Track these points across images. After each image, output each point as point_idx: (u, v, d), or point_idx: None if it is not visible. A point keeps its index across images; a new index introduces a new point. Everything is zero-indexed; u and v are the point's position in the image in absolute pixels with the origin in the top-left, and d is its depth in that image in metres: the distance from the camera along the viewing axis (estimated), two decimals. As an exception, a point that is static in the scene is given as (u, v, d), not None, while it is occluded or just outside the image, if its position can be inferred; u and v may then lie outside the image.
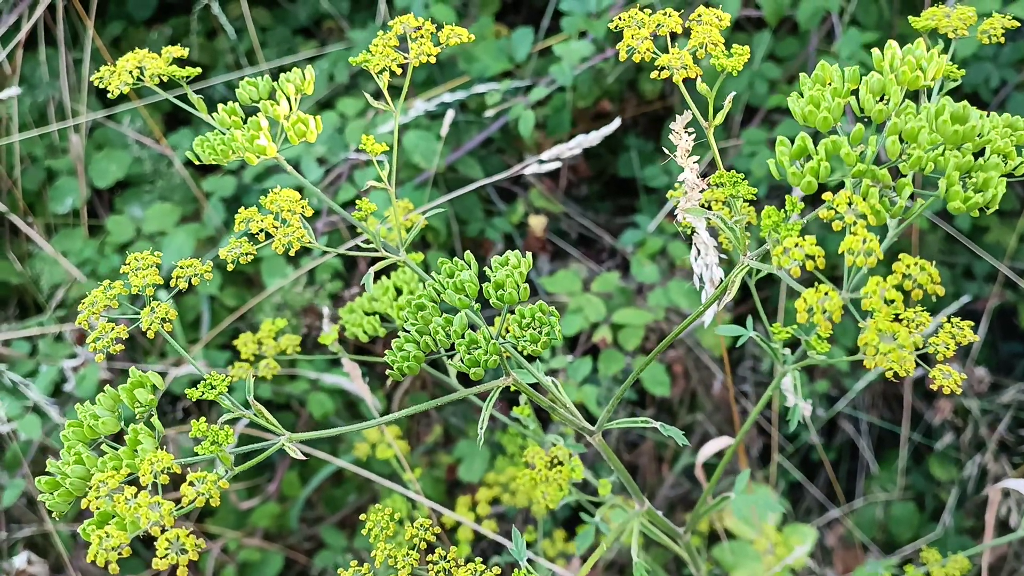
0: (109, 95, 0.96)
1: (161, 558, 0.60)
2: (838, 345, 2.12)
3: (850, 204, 0.62)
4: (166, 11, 2.54)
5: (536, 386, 1.01)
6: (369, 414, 2.08)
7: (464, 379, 1.30)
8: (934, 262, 0.70)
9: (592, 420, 1.16)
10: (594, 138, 1.41)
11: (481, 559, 1.67)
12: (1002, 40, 0.99)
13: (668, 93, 2.46)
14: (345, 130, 2.07)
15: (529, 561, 1.96)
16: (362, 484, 2.29)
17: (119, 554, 0.61)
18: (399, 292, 1.26)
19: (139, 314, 0.81)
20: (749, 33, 2.31)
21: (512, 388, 1.21)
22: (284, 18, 2.57)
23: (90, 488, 0.64)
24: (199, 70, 0.99)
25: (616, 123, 1.44)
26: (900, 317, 0.61)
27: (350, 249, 1.00)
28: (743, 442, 2.29)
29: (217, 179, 2.15)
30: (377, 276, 1.24)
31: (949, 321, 0.91)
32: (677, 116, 0.79)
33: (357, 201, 0.96)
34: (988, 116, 0.86)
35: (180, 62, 1.03)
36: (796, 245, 0.61)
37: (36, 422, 1.83)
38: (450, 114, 1.63)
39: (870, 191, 0.63)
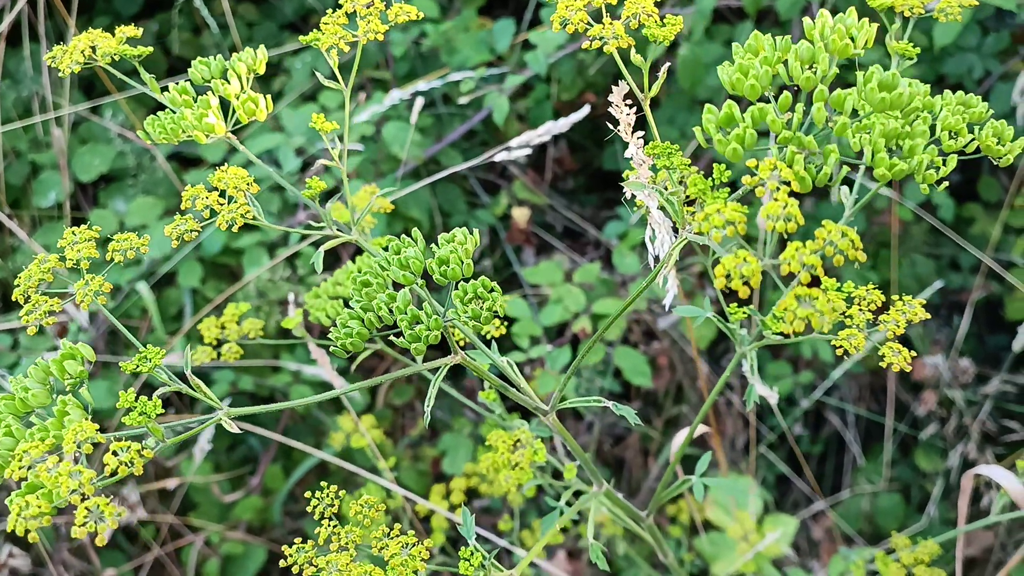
0: (60, 75, 0.96)
1: (80, 526, 0.60)
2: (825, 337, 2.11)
3: (774, 170, 0.61)
4: (152, 7, 2.55)
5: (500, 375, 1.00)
6: (353, 407, 2.08)
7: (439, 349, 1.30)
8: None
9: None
10: (564, 124, 1.41)
11: (452, 546, 1.66)
12: (959, 19, 0.98)
13: (654, 75, 2.45)
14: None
15: (505, 551, 1.96)
16: (347, 477, 2.29)
17: (40, 523, 0.61)
18: (364, 277, 1.26)
19: (79, 294, 0.80)
20: (732, 24, 2.30)
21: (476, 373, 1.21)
22: (271, 13, 2.58)
23: (13, 458, 0.63)
24: (150, 49, 0.99)
25: (586, 109, 1.43)
26: (819, 282, 0.61)
27: (298, 229, 1.00)
28: (727, 434, 2.28)
29: (200, 172, 2.15)
30: (338, 260, 1.24)
31: (900, 298, 0.90)
32: (614, 89, 0.78)
33: (308, 181, 0.96)
34: (943, 95, 0.86)
35: (165, 55, 1.03)
36: (718, 211, 0.60)
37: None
38: (419, 101, 1.63)
39: (795, 158, 0.63)
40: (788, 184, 0.61)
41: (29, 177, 2.27)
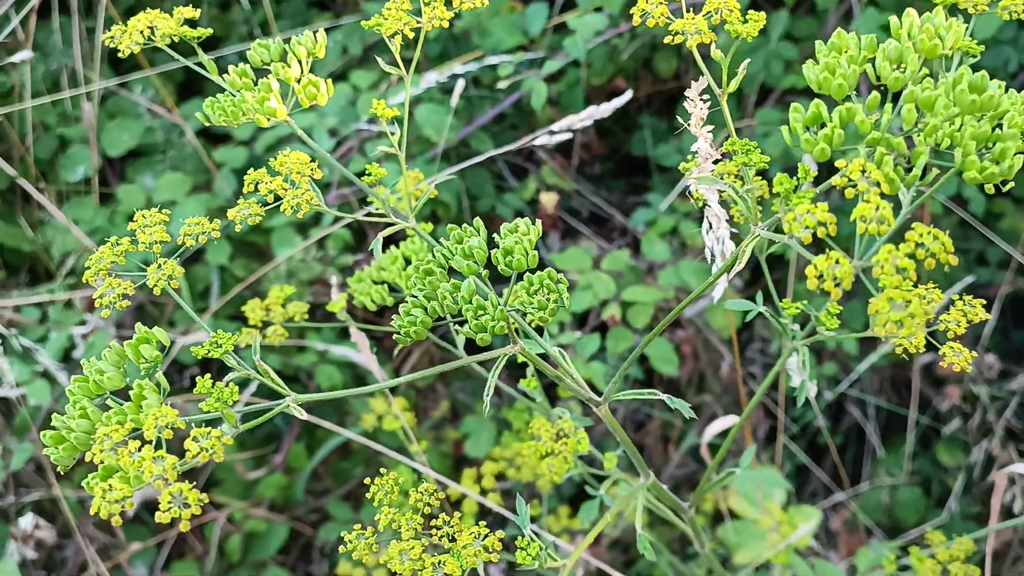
0: (120, 54, 0.96)
1: (164, 511, 0.60)
2: (847, 328, 2.11)
3: (863, 172, 0.61)
4: (180, -19, 2.53)
5: (544, 358, 1.00)
6: (380, 389, 2.08)
7: (471, 349, 1.30)
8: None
9: (599, 395, 1.15)
10: (606, 109, 1.40)
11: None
12: (1023, 16, 0.97)
13: (683, 73, 2.44)
14: (357, 102, 2.07)
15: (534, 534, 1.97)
16: (369, 457, 2.29)
17: (122, 507, 0.61)
18: (408, 262, 1.26)
19: (146, 274, 0.80)
20: (767, 12, 2.28)
21: (519, 360, 1.21)
22: (298, -10, 2.56)
23: (94, 442, 0.64)
24: (210, 31, 0.98)
25: (628, 95, 1.43)
26: (913, 286, 0.61)
27: (362, 216, 1.00)
28: (750, 424, 2.28)
29: (229, 150, 2.15)
30: (386, 245, 1.24)
31: (961, 298, 0.90)
32: (692, 84, 0.78)
33: (367, 167, 0.96)
34: (1008, 92, 0.85)
35: (192, 26, 1.02)
36: (808, 212, 0.60)
37: (45, 387, 1.84)
38: (460, 83, 1.62)
39: (884, 159, 0.62)
40: (878, 185, 0.61)
41: (57, 151, 2.26)
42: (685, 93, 0.79)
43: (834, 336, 0.98)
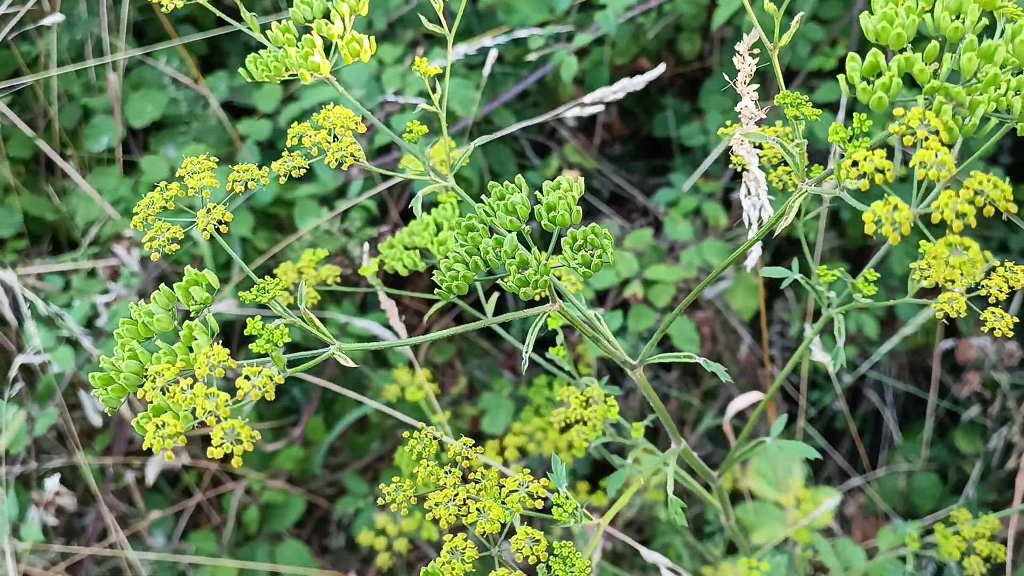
0: (163, 9, 0.96)
1: (217, 447, 0.60)
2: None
3: (922, 120, 0.61)
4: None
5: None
6: (398, 361, 2.09)
7: (497, 313, 1.30)
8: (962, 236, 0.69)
9: (622, 373, 1.15)
10: (639, 82, 1.40)
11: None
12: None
13: (707, 54, 2.43)
14: (382, 76, 2.06)
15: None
16: (386, 432, 2.30)
17: (174, 442, 0.61)
18: (439, 228, 1.26)
19: (194, 224, 0.81)
20: (793, -6, 2.27)
21: (550, 327, 1.21)
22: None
23: (146, 379, 0.64)
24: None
25: (661, 68, 1.42)
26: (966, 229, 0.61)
27: (400, 176, 1.00)
28: (771, 406, 2.28)
29: (252, 122, 2.15)
30: (409, 215, 1.24)
31: (1003, 264, 0.90)
32: (745, 37, 0.78)
33: (408, 124, 0.96)
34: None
35: (216, 1, 1.02)
36: (865, 158, 0.60)
37: (69, 354, 1.85)
38: (493, 54, 1.62)
39: (943, 107, 0.62)
40: (937, 133, 0.61)
41: (81, 121, 2.27)
42: (736, 48, 0.79)
43: (870, 304, 0.98)
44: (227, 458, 0.60)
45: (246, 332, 0.67)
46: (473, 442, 0.83)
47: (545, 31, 1.90)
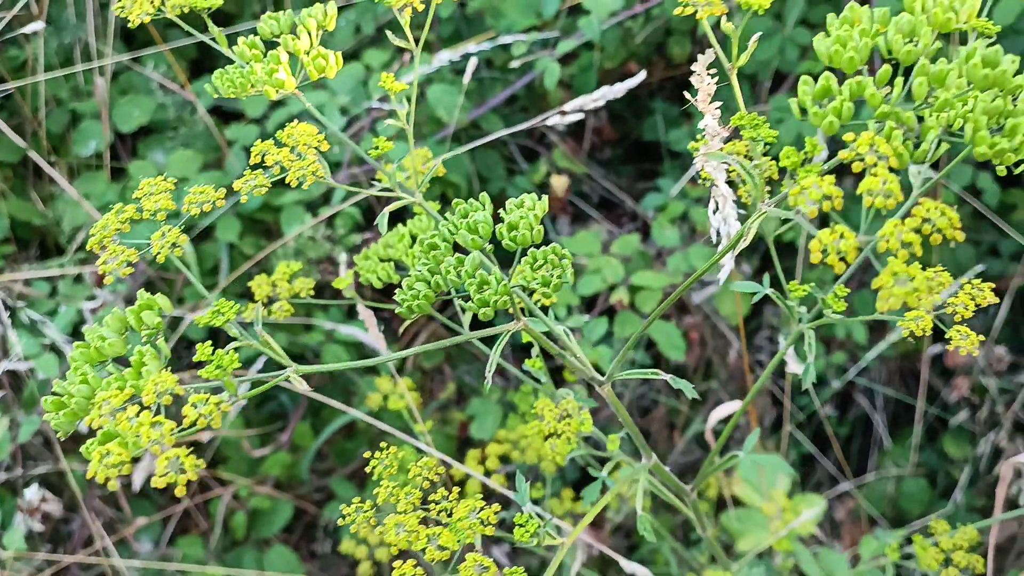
0: (130, 24, 0.96)
1: (160, 476, 0.60)
2: (855, 315, 2.10)
3: (872, 146, 0.60)
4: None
5: (550, 338, 1.00)
6: (383, 367, 2.09)
7: (476, 328, 1.29)
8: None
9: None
10: (619, 90, 1.40)
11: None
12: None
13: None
14: (369, 82, 2.06)
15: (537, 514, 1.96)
16: (374, 437, 2.30)
17: (120, 472, 0.61)
18: (414, 240, 1.26)
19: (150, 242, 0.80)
20: (782, -2, 2.27)
21: (524, 340, 1.20)
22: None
23: (93, 407, 0.64)
24: (221, 1, 0.98)
25: (641, 76, 1.42)
26: (919, 262, 0.60)
27: (370, 192, 1.00)
28: (757, 412, 2.28)
29: (240, 127, 2.14)
30: (393, 223, 1.23)
31: (969, 282, 0.89)
32: (699, 58, 0.77)
33: (375, 140, 0.96)
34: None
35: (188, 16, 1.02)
36: (814, 185, 0.59)
37: (54, 361, 1.85)
38: (472, 62, 1.61)
39: (893, 133, 0.62)
40: (886, 159, 0.60)
41: (69, 126, 2.26)
42: (692, 67, 0.78)
43: (841, 319, 0.98)
44: (170, 487, 0.60)
45: (195, 359, 0.67)
46: (436, 462, 0.83)
47: (529, 38, 1.89)
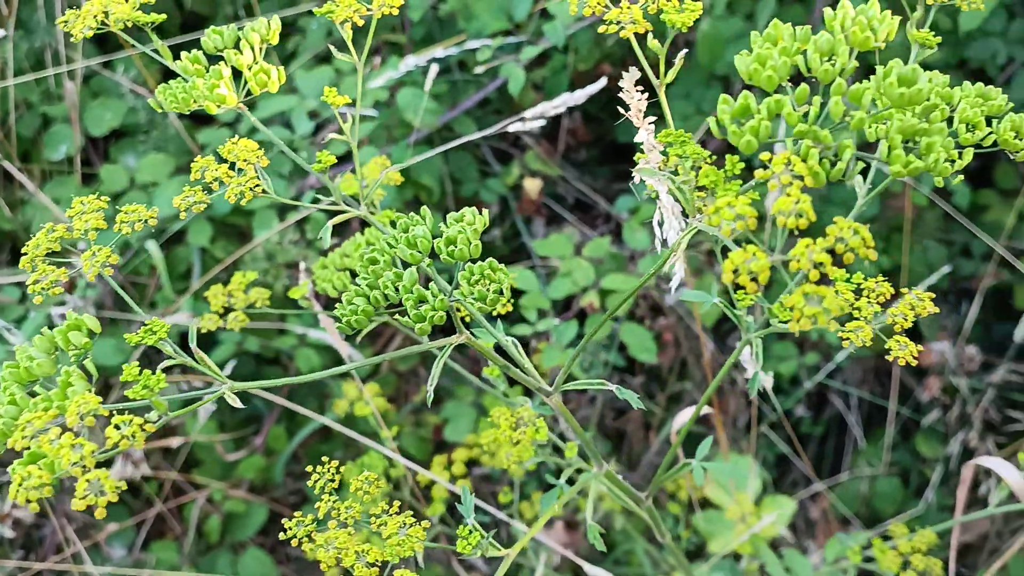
0: (72, 39, 0.96)
1: (80, 499, 0.60)
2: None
3: (788, 164, 0.61)
4: (167, -40, 2.52)
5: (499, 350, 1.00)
6: (356, 372, 2.09)
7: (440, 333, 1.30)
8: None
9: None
10: (580, 96, 1.40)
11: (451, 516, 1.66)
12: (982, 7, 0.96)
13: (671, 59, 2.43)
14: (340, 85, 2.06)
15: (503, 522, 1.96)
16: (348, 441, 2.30)
17: (40, 494, 0.61)
18: (372, 248, 1.25)
19: (92, 262, 0.80)
20: (753, -1, 2.27)
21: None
22: (287, -29, 2.55)
23: (16, 428, 0.64)
24: (164, 16, 0.98)
25: (602, 82, 1.42)
26: (830, 279, 0.60)
27: (315, 207, 1.00)
28: (726, 413, 2.28)
29: (212, 131, 2.14)
30: (343, 231, 1.24)
31: (910, 290, 0.90)
32: (625, 75, 0.77)
33: (318, 155, 0.96)
34: (962, 86, 0.84)
35: (179, 9, 1.02)
36: (728, 205, 0.60)
37: (22, 367, 1.84)
38: (434, 69, 1.61)
39: (810, 152, 0.62)
40: (801, 179, 0.60)
41: (40, 130, 2.26)
42: (620, 84, 0.79)
43: (785, 329, 0.98)
44: (91, 509, 0.60)
45: (121, 379, 0.67)
46: (377, 477, 0.83)
47: (494, 43, 1.89)
